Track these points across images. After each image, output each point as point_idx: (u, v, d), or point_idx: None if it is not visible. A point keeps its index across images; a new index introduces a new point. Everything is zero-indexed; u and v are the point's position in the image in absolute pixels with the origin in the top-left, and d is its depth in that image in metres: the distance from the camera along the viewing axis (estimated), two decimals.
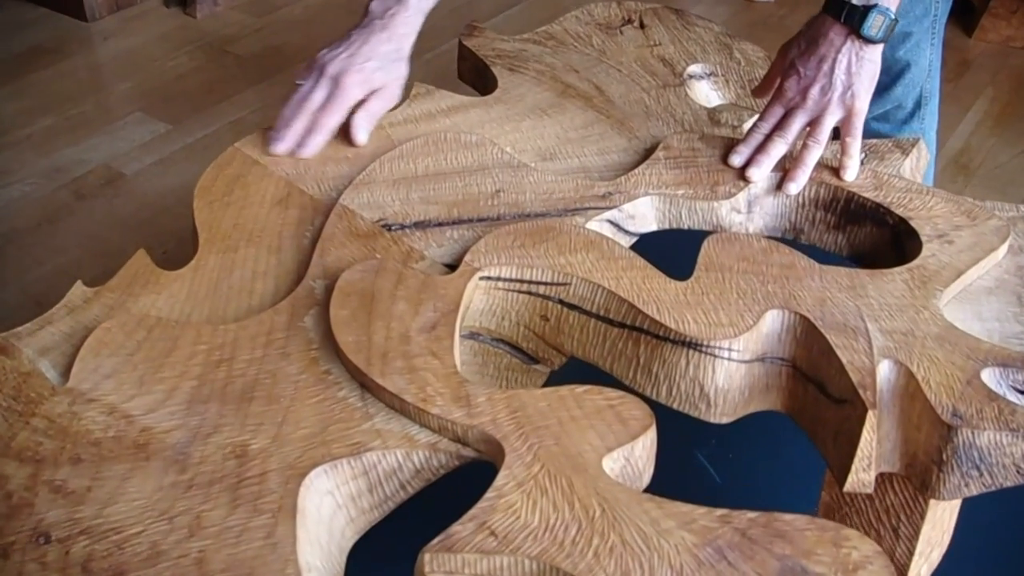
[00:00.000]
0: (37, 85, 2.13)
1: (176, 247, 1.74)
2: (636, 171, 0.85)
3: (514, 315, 0.75)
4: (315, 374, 0.67)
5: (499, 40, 1.10)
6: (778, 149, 0.84)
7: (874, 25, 0.80)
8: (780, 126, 0.84)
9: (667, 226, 0.83)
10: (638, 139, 0.92)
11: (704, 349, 0.66)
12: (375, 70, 0.91)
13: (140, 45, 2.28)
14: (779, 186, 0.84)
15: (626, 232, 0.82)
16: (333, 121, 0.90)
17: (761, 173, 0.83)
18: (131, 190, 1.80)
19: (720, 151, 0.87)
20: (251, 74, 2.15)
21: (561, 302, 0.73)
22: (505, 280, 0.73)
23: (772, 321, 0.68)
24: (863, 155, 0.89)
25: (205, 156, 1.89)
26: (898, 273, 0.74)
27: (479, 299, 0.74)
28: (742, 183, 0.83)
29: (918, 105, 1.22)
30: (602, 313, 0.71)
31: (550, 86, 1.01)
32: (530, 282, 0.73)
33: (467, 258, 0.74)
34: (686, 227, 0.83)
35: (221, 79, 2.14)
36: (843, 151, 0.84)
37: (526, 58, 1.06)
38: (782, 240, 0.86)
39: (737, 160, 0.85)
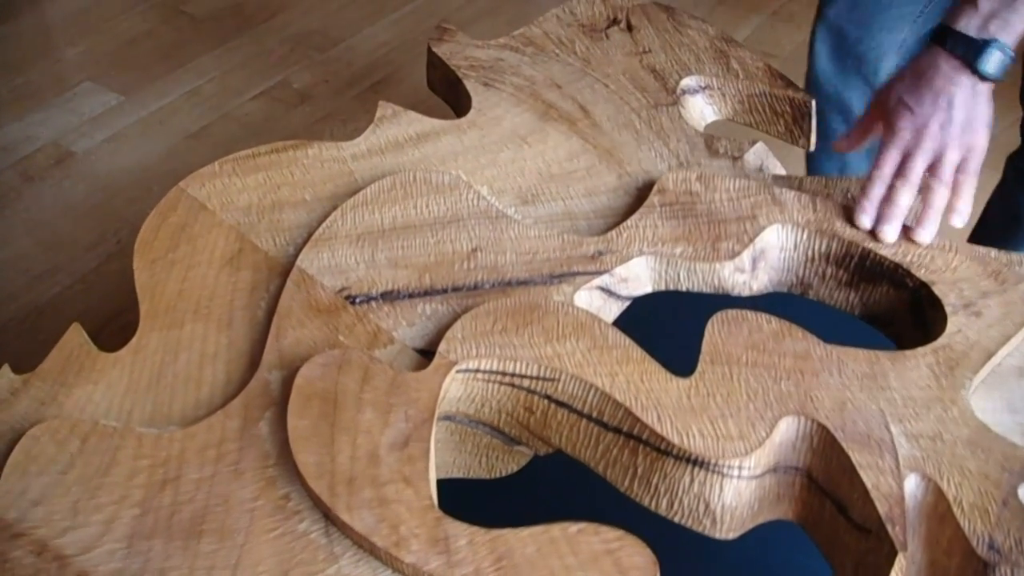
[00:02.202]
0: None
1: (129, 235, 1.64)
2: (629, 223, 0.76)
3: (495, 403, 0.67)
4: (272, 499, 0.59)
5: (472, 46, 0.99)
6: (906, 198, 0.75)
7: (992, 62, 0.73)
8: (901, 172, 0.75)
9: (663, 288, 0.75)
10: (628, 175, 0.83)
11: (711, 468, 0.59)
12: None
13: (91, 4, 2.13)
14: (908, 236, 0.75)
15: (618, 297, 0.74)
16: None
17: (896, 231, 0.75)
18: (82, 170, 1.69)
19: (720, 194, 0.79)
20: (208, 37, 2.01)
21: (548, 397, 0.65)
22: (485, 372, 0.65)
23: (787, 429, 0.61)
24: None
25: (160, 132, 1.77)
26: (922, 356, 0.67)
27: (456, 388, 0.66)
28: (746, 240, 0.75)
29: None
30: (595, 415, 0.63)
31: (530, 105, 0.91)
32: (513, 375, 0.65)
33: (442, 347, 0.65)
34: (684, 289, 0.75)
35: (176, 43, 2.00)
36: (956, 193, 0.76)
37: (502, 69, 0.96)
38: (788, 295, 0.79)
39: (866, 220, 0.75)
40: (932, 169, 0.75)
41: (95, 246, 1.55)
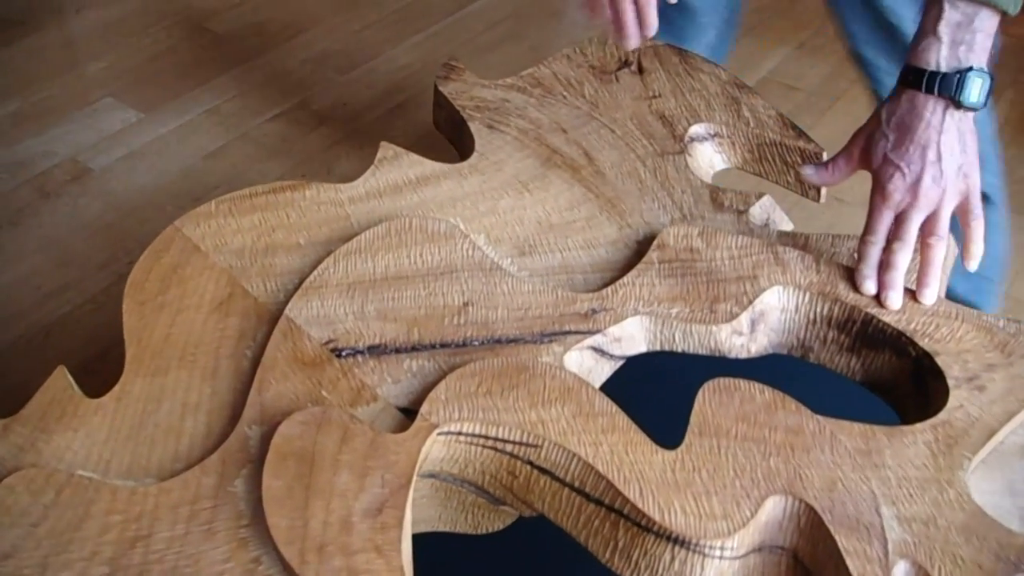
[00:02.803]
0: (1, 65, 2.00)
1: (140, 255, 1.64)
2: (625, 280, 0.75)
3: (478, 465, 0.66)
4: (243, 563, 0.58)
5: (479, 86, 0.98)
6: (903, 259, 0.73)
7: (975, 91, 0.70)
8: (897, 234, 0.73)
9: (658, 348, 0.74)
10: (629, 227, 0.82)
11: (693, 547, 0.57)
12: None
13: (116, 19, 2.14)
14: (913, 298, 0.73)
15: (611, 357, 0.72)
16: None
17: (900, 297, 0.73)
18: (98, 188, 1.70)
19: (721, 252, 0.77)
20: (229, 55, 2.02)
21: (531, 463, 0.63)
22: (467, 435, 0.64)
23: (773, 508, 0.59)
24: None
25: (177, 150, 1.77)
26: (920, 433, 0.65)
27: (438, 450, 0.65)
28: (745, 302, 0.73)
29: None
30: (577, 485, 0.61)
31: (534, 150, 0.90)
32: (496, 439, 0.64)
33: (424, 409, 0.64)
34: (679, 350, 0.73)
35: (197, 60, 2.01)
36: (969, 237, 0.74)
37: (508, 111, 0.94)
38: (788, 357, 0.77)
39: (871, 287, 0.74)
40: (929, 225, 0.73)
41: (106, 265, 1.55)
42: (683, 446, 0.62)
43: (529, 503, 0.65)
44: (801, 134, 0.91)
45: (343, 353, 0.70)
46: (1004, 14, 0.70)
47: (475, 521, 0.71)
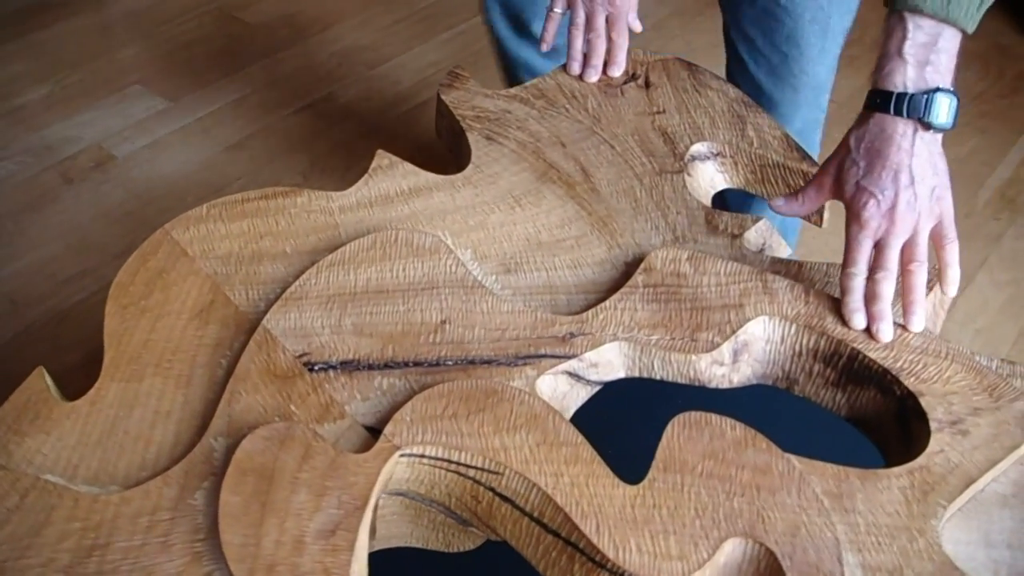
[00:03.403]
0: (37, 46, 2.03)
1: None
2: (607, 303, 0.73)
3: (444, 487, 0.65)
4: None
5: (481, 95, 0.97)
6: (889, 289, 0.71)
7: (943, 111, 0.69)
8: (879, 263, 0.72)
9: (636, 375, 0.72)
10: (619, 247, 0.80)
11: None
12: None
13: (151, 5, 2.17)
14: (903, 326, 0.72)
15: (587, 382, 0.71)
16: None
17: (891, 328, 0.71)
18: (120, 176, 1.72)
19: (709, 278, 0.75)
20: (258, 46, 2.03)
21: (492, 490, 0.62)
22: (430, 459, 0.63)
23: (733, 550, 0.58)
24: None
25: (202, 140, 1.79)
26: (896, 477, 0.63)
27: (403, 471, 0.64)
28: (728, 332, 0.71)
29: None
30: (536, 515, 0.61)
31: (530, 164, 0.89)
32: (459, 463, 0.63)
33: (388, 429, 0.63)
34: (658, 378, 0.72)
35: (227, 50, 2.02)
36: (944, 261, 0.73)
37: (508, 123, 0.93)
38: (773, 388, 0.75)
39: (860, 321, 0.71)
40: (907, 251, 0.72)
41: (124, 254, 1.54)
42: (646, 481, 0.60)
43: (492, 528, 0.65)
44: (805, 157, 0.89)
45: (315, 367, 0.70)
46: (964, 32, 0.70)
47: (446, 539, 0.71)
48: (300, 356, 0.70)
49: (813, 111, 1.16)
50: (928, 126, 0.70)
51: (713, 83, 0.99)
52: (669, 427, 0.63)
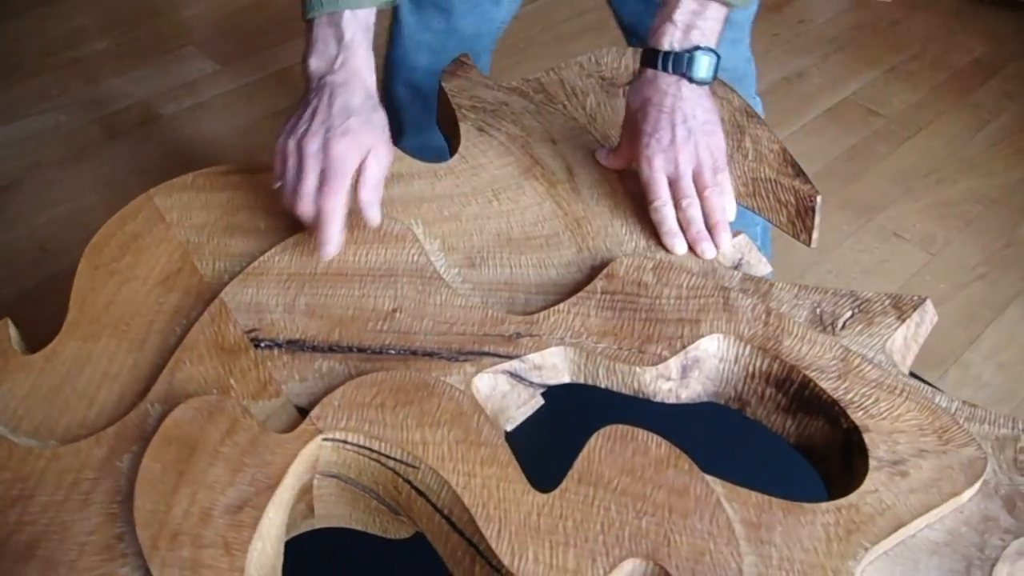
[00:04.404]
0: (103, 1, 2.07)
1: None
2: (560, 307, 0.73)
3: (370, 474, 0.65)
4: (106, 538, 0.59)
5: (483, 85, 0.97)
6: (696, 212, 0.79)
7: (702, 68, 0.80)
8: (678, 193, 0.80)
9: (582, 381, 0.72)
10: (588, 250, 0.79)
11: None
12: (360, 127, 0.76)
13: None
14: (692, 249, 0.79)
15: (529, 383, 0.71)
16: (337, 203, 0.74)
17: (711, 245, 0.79)
18: (162, 134, 1.75)
19: (670, 290, 0.74)
20: None
21: (409, 483, 0.63)
22: (352, 445, 0.64)
23: (632, 571, 0.57)
24: (850, 312, 0.75)
25: (245, 106, 1.82)
26: (822, 513, 0.61)
27: (328, 454, 0.65)
28: (678, 347, 0.70)
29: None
30: (446, 512, 0.61)
31: (516, 158, 0.88)
32: (379, 454, 0.63)
33: (314, 412, 0.64)
34: (603, 387, 0.71)
35: (282, 18, 2.05)
36: (719, 190, 0.80)
37: (503, 115, 0.93)
38: (725, 408, 0.74)
39: (681, 245, 0.79)
40: (697, 181, 0.80)
41: None
42: (557, 491, 0.60)
43: (412, 520, 0.65)
44: (799, 173, 0.87)
45: (262, 344, 0.70)
46: (730, 6, 0.81)
47: (383, 525, 0.71)
48: (249, 331, 0.71)
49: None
50: (691, 80, 0.79)
51: (719, 90, 0.97)
52: (593, 438, 0.63)
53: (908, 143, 1.74)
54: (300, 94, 0.82)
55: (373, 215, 0.77)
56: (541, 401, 1.12)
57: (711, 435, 0.98)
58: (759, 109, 1.22)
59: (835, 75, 1.92)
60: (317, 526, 0.71)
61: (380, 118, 0.79)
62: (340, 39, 0.79)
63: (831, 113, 1.83)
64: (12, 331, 0.74)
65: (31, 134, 1.72)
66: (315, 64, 0.81)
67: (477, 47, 1.21)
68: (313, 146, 0.75)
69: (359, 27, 0.80)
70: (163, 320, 0.73)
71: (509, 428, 1.11)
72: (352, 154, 0.75)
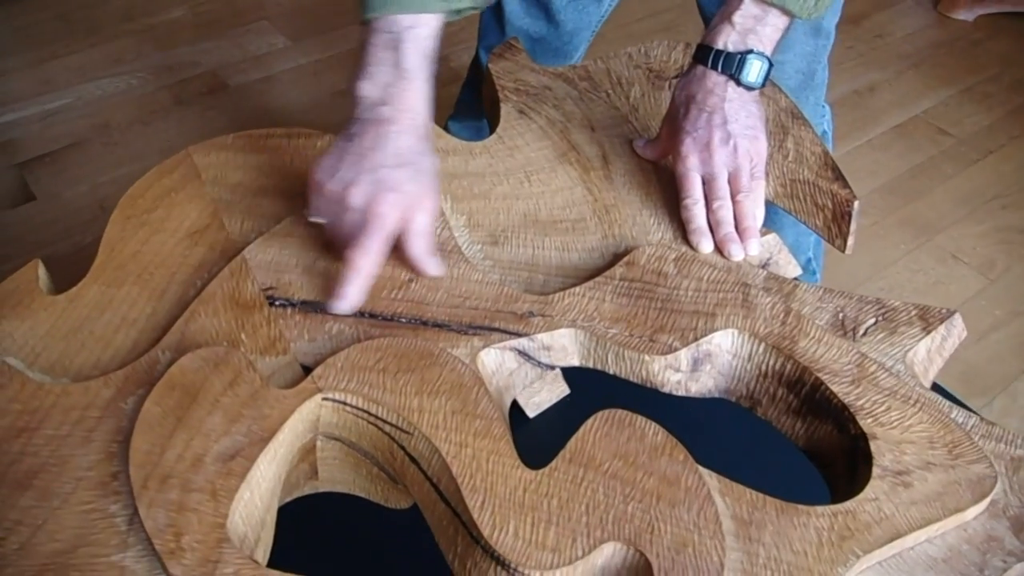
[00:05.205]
0: None
1: None
2: (577, 290, 0.72)
3: (368, 438, 0.66)
4: (102, 475, 0.60)
5: (528, 69, 0.96)
6: (727, 214, 0.78)
7: (753, 72, 0.79)
8: (712, 194, 0.79)
9: (591, 365, 0.71)
10: (614, 238, 0.79)
11: (513, 572, 0.55)
12: (408, 181, 0.71)
13: None
14: (720, 250, 0.78)
15: (538, 363, 0.70)
16: (369, 263, 0.70)
17: (739, 247, 0.77)
18: (227, 104, 1.78)
19: (690, 282, 0.73)
20: None
21: (403, 449, 0.63)
22: (351, 407, 0.64)
23: (613, 555, 0.56)
24: (873, 319, 0.73)
25: (311, 83, 1.84)
26: (817, 516, 0.60)
27: (328, 414, 0.65)
28: (691, 338, 0.69)
29: None
30: (435, 481, 0.61)
31: (553, 142, 0.88)
32: (376, 417, 0.63)
33: (317, 371, 0.65)
34: (612, 373, 0.70)
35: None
36: (753, 196, 0.79)
37: (545, 99, 0.92)
38: (736, 406, 0.73)
39: (707, 244, 0.78)
40: (733, 184, 0.79)
41: None
42: (547, 468, 0.60)
43: (406, 487, 0.65)
44: (838, 177, 0.85)
45: (276, 302, 0.71)
46: (793, 16, 0.79)
47: (384, 493, 0.71)
48: (266, 289, 0.72)
49: (812, 114, 1.15)
50: (739, 83, 0.78)
51: (767, 90, 0.95)
52: (590, 420, 0.62)
53: (976, 166, 1.69)
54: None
55: (432, 268, 0.73)
56: (567, 390, 1.12)
57: (726, 433, 0.97)
58: (828, 119, 1.20)
59: (907, 92, 1.87)
60: (321, 490, 0.72)
61: (430, 164, 0.73)
62: (397, 65, 0.72)
63: (899, 129, 1.78)
64: (42, 272, 0.76)
65: (103, 96, 1.77)
66: (367, 89, 0.72)
67: (576, 41, 1.22)
68: (358, 199, 0.70)
69: (419, 54, 0.73)
70: (185, 273, 0.75)
71: (532, 414, 1.11)
72: (396, 211, 0.70)
